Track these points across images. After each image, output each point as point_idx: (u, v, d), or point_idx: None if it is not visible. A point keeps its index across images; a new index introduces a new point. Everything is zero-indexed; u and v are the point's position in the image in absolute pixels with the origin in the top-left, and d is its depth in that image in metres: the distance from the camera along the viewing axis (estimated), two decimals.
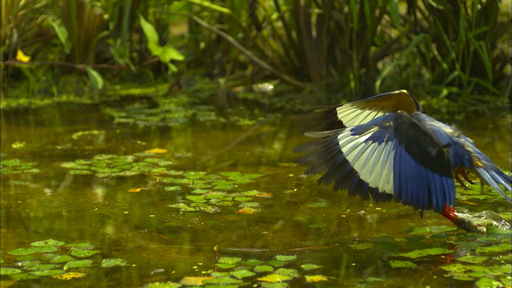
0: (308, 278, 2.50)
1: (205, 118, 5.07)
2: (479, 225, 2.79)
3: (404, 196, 2.57)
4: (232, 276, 2.52)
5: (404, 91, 2.94)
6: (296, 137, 4.71)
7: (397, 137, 2.60)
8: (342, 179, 2.56)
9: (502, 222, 2.82)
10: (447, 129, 2.77)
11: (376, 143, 2.59)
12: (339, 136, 2.61)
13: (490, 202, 3.24)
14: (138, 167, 3.82)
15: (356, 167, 2.56)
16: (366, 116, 2.98)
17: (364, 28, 5.44)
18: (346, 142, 2.59)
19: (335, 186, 2.56)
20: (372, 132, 2.61)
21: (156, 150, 4.17)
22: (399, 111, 2.66)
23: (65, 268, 2.62)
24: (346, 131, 2.62)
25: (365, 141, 2.59)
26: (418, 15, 5.57)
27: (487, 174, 2.75)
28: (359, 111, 2.99)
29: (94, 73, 5.58)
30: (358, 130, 2.62)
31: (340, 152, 2.57)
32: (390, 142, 2.59)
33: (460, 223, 2.78)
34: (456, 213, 2.75)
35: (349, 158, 2.57)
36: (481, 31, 5.21)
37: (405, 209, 3.17)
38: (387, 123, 2.63)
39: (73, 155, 4.10)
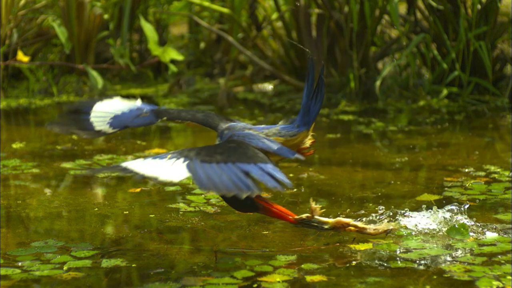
0: (308, 278, 2.50)
1: None
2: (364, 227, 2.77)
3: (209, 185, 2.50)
4: (232, 276, 2.52)
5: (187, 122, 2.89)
6: None
7: (188, 159, 2.53)
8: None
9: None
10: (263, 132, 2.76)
11: (163, 159, 2.54)
12: (123, 163, 2.55)
13: (490, 203, 3.25)
14: None
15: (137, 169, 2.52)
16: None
17: (364, 28, 5.44)
18: (130, 163, 2.52)
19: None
20: (159, 156, 2.57)
21: (156, 150, 4.17)
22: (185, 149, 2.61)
23: (65, 268, 2.62)
24: (128, 161, 2.56)
25: (147, 159, 2.55)
26: (418, 15, 5.57)
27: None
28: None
29: (94, 73, 5.58)
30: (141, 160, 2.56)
31: (125, 168, 2.52)
32: (182, 159, 2.54)
33: (301, 223, 2.74)
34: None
35: (131, 166, 2.53)
36: (481, 31, 5.21)
37: (413, 208, 3.17)
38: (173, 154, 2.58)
39: (73, 155, 4.10)
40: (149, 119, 2.88)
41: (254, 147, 2.66)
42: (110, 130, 2.87)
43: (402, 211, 2.93)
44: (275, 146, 2.69)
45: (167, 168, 2.48)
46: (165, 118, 2.86)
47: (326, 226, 2.74)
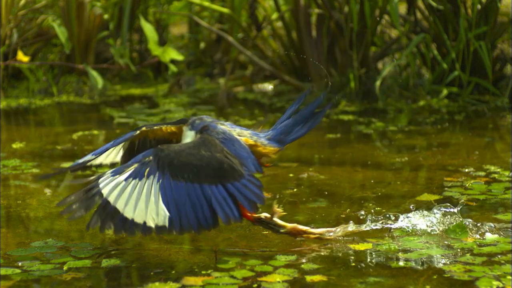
0: (308, 278, 2.51)
1: None
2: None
3: (177, 225, 2.51)
4: (232, 276, 2.52)
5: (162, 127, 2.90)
6: None
7: (160, 170, 2.55)
8: (106, 220, 2.51)
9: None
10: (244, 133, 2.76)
11: (137, 179, 2.54)
12: (100, 179, 2.57)
13: (490, 203, 3.25)
14: None
15: (119, 205, 2.51)
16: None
17: (364, 28, 5.44)
18: (107, 183, 2.54)
19: (101, 228, 2.51)
20: (132, 169, 2.56)
21: None
22: (159, 146, 2.62)
23: (65, 268, 2.62)
24: (107, 173, 2.57)
25: (126, 179, 2.54)
26: (418, 15, 5.57)
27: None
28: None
29: (94, 73, 5.58)
30: (118, 170, 2.57)
31: (101, 194, 2.53)
32: (152, 176, 2.55)
33: (258, 221, 2.74)
34: (255, 215, 2.72)
35: (111, 198, 2.52)
36: (481, 31, 5.22)
37: (405, 209, 3.17)
38: (147, 159, 2.58)
39: (73, 155, 4.10)
40: (129, 134, 2.89)
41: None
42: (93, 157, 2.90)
43: (391, 215, 2.93)
44: (243, 154, 2.68)
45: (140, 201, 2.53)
46: (143, 128, 2.87)
47: (282, 230, 2.75)
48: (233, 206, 2.56)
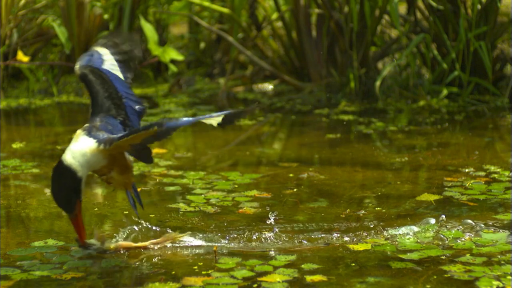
0: (308, 278, 2.51)
1: None
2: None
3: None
4: (232, 276, 2.52)
5: None
6: (296, 137, 4.71)
7: None
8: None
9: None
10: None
11: None
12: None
13: (490, 203, 3.25)
14: (138, 167, 3.82)
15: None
16: None
17: (364, 28, 5.44)
18: None
19: None
20: None
21: (156, 150, 4.17)
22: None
23: (64, 268, 2.62)
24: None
25: None
26: (418, 15, 5.57)
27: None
28: None
29: None
30: None
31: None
32: None
33: (86, 247, 2.77)
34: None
35: None
36: (481, 31, 5.22)
37: (405, 209, 3.17)
38: None
39: None
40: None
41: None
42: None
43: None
44: None
45: None
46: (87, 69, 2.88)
47: (108, 250, 2.76)
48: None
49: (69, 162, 2.61)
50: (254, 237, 2.85)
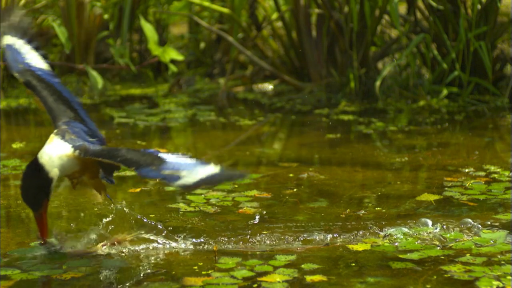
0: (308, 278, 2.51)
1: (205, 118, 5.07)
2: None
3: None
4: (232, 276, 2.52)
5: None
6: (296, 137, 4.71)
7: None
8: None
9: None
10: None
11: None
12: None
13: (490, 203, 3.25)
14: None
15: None
16: None
17: (364, 28, 5.44)
18: None
19: None
20: None
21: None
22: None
23: (64, 268, 2.62)
24: None
25: None
26: (418, 15, 5.57)
27: None
28: None
29: (94, 73, 5.58)
30: None
31: None
32: None
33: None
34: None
35: None
36: (481, 31, 5.22)
37: (405, 209, 3.17)
38: None
39: None
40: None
41: None
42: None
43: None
44: None
45: None
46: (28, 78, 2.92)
47: (69, 249, 2.77)
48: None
49: (44, 162, 2.63)
50: (254, 237, 2.85)
